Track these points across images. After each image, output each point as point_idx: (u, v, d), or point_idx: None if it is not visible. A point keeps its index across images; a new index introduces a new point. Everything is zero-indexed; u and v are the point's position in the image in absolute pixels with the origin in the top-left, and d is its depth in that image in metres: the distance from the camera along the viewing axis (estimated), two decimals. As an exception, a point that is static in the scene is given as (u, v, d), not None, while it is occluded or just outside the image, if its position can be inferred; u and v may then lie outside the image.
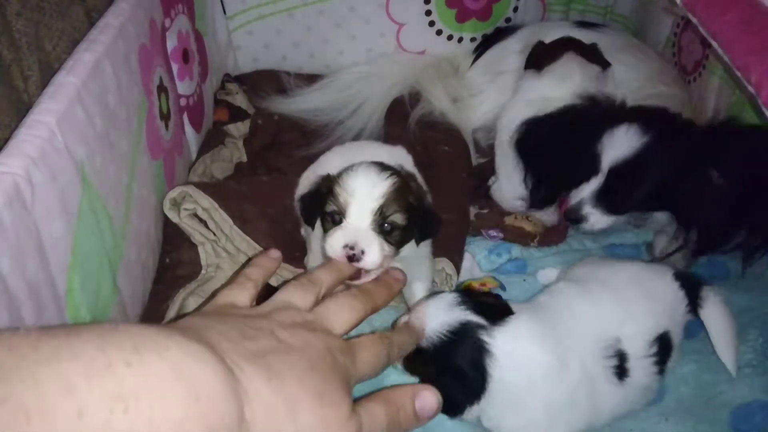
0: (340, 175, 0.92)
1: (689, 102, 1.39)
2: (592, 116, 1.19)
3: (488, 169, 1.46)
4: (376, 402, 0.59)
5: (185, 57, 1.31)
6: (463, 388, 0.84)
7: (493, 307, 0.88)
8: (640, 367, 0.91)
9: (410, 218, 0.90)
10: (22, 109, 0.78)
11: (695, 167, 1.06)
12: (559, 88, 1.32)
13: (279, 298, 0.66)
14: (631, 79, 1.35)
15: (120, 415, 0.38)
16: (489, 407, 0.85)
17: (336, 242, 0.86)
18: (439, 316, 0.85)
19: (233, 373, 0.47)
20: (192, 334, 0.47)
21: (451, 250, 1.18)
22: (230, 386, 0.45)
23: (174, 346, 0.43)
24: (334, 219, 0.90)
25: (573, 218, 1.17)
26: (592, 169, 1.13)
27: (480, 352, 0.83)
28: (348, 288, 0.80)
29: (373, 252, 0.86)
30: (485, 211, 1.34)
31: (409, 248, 0.96)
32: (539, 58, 1.39)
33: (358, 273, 0.87)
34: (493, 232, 1.31)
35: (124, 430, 0.38)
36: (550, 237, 1.29)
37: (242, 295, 0.67)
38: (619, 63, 1.37)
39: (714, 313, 1.00)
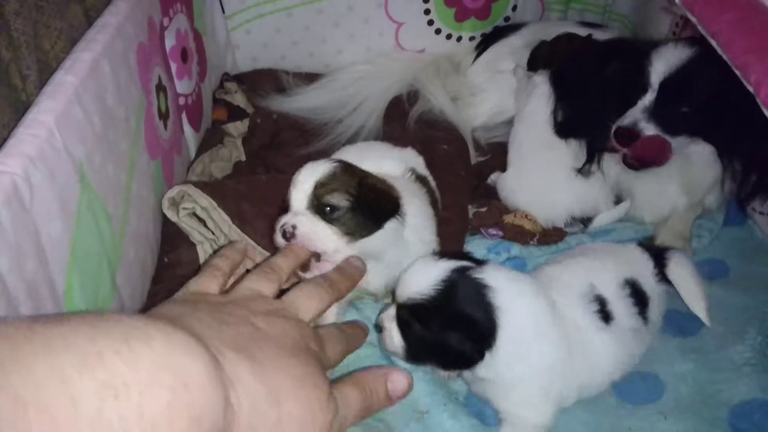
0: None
1: None
2: (636, 45, 1.20)
3: (487, 168, 1.46)
4: (349, 385, 0.61)
5: (184, 56, 1.31)
6: (474, 334, 0.82)
7: (472, 260, 0.89)
8: (621, 308, 0.94)
9: (353, 200, 0.92)
10: (20, 109, 0.78)
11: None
12: None
13: (245, 285, 0.68)
14: None
15: (111, 403, 0.38)
16: (497, 356, 0.83)
17: (276, 231, 0.92)
18: (427, 272, 0.84)
19: (218, 361, 0.47)
20: (176, 322, 0.48)
21: (451, 249, 1.18)
22: (216, 374, 0.46)
23: (160, 335, 0.43)
24: (285, 210, 0.95)
25: (627, 135, 1.13)
26: (642, 88, 1.12)
27: (483, 291, 0.82)
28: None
29: (304, 225, 0.90)
30: (484, 209, 1.34)
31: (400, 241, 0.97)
32: (540, 61, 1.40)
33: (316, 257, 0.91)
34: (492, 231, 1.31)
35: (115, 418, 0.38)
36: (549, 236, 1.29)
37: (212, 283, 0.69)
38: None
39: (679, 269, 1.04)
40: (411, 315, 0.84)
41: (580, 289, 0.93)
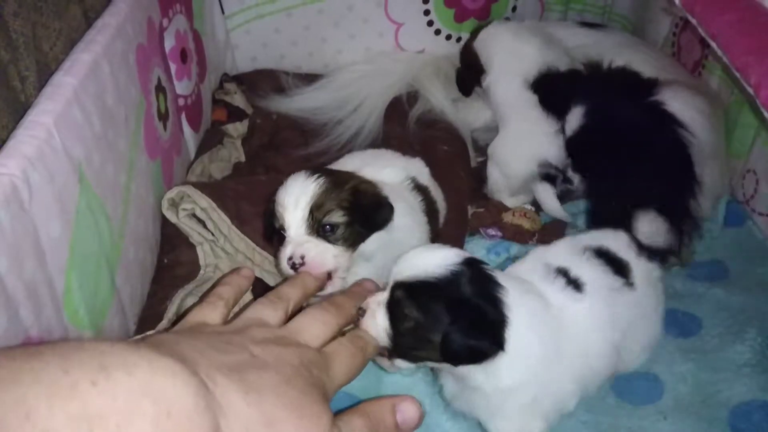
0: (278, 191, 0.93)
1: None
2: None
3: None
4: (356, 415, 0.59)
5: (183, 57, 1.30)
6: (483, 327, 0.76)
7: None
8: (587, 271, 0.89)
9: (350, 213, 0.91)
10: (19, 110, 0.77)
11: None
12: None
13: (248, 315, 0.65)
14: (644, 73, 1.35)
15: None
16: (500, 358, 0.77)
17: (282, 260, 0.90)
18: (438, 254, 0.79)
19: (207, 387, 0.46)
20: (163, 348, 0.46)
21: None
22: (204, 400, 0.44)
23: (143, 362, 0.42)
24: (280, 236, 0.92)
25: None
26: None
27: (493, 285, 0.78)
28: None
29: (312, 254, 0.88)
30: (483, 209, 1.34)
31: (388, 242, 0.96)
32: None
33: (323, 284, 0.88)
34: (491, 231, 1.31)
35: None
36: (549, 234, 1.29)
37: (213, 313, 0.66)
38: (628, 60, 1.37)
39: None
40: (410, 294, 0.77)
41: (540, 272, 0.88)
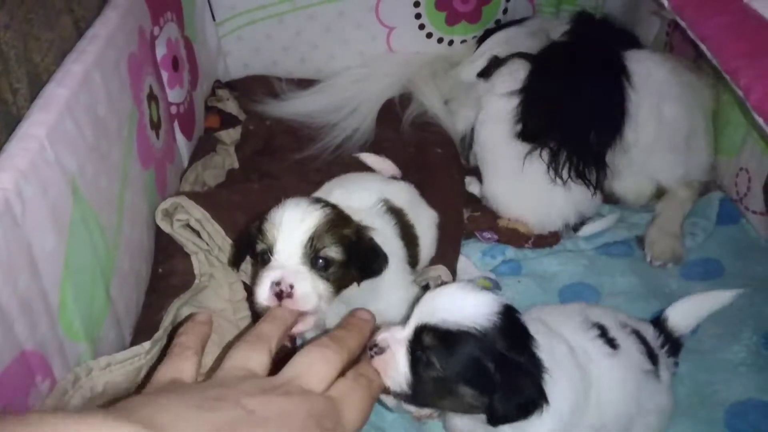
0: (269, 212, 0.84)
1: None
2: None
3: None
4: None
5: (175, 64, 1.30)
6: (531, 382, 0.71)
7: None
8: (624, 340, 0.87)
9: (348, 253, 0.83)
10: (11, 123, 0.77)
11: None
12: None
13: (231, 364, 0.57)
14: None
15: None
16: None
17: (264, 283, 0.78)
18: (477, 298, 0.72)
19: None
20: (126, 415, 0.41)
21: (447, 253, 1.18)
22: None
23: None
24: (264, 259, 0.82)
25: None
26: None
27: (527, 335, 0.73)
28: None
29: (304, 285, 0.78)
30: (478, 213, 1.34)
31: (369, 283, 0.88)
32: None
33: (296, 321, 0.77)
34: (487, 234, 1.31)
35: None
36: (544, 238, 1.30)
37: (184, 365, 0.58)
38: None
39: (677, 310, 0.98)
40: (443, 343, 0.70)
41: (579, 320, 0.87)
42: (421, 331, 0.71)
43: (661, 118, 1.29)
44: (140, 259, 1.05)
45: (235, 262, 0.96)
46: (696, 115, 1.32)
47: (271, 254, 0.82)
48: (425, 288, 1.11)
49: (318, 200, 0.87)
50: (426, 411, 0.78)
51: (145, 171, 1.08)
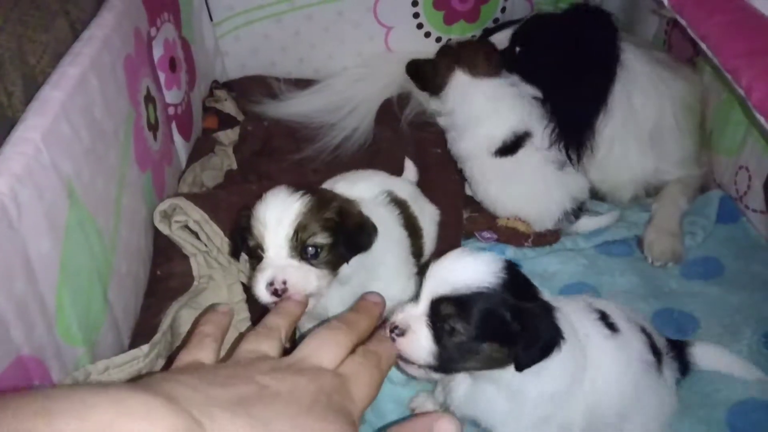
0: (255, 206, 0.86)
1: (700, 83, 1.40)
2: None
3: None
4: None
5: (172, 65, 1.30)
6: (547, 336, 0.75)
7: None
8: (628, 329, 0.89)
9: (335, 234, 0.85)
10: (6, 126, 0.77)
11: None
12: None
13: (246, 348, 0.59)
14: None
15: None
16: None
17: (260, 284, 0.81)
18: (482, 261, 0.75)
19: (201, 425, 0.42)
20: (142, 387, 0.42)
21: (446, 251, 1.17)
22: None
23: (104, 403, 0.38)
24: (257, 255, 0.85)
25: None
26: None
27: (535, 288, 0.78)
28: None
29: (297, 280, 0.81)
30: (477, 213, 1.34)
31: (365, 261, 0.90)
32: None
33: (305, 307, 0.79)
34: (486, 234, 1.30)
35: None
36: (544, 237, 1.29)
37: (204, 353, 0.60)
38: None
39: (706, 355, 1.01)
40: (462, 308, 0.73)
41: (582, 305, 0.89)
42: (438, 302, 0.74)
43: (629, 108, 1.29)
44: (138, 262, 1.04)
45: (234, 254, 0.97)
46: (666, 109, 1.32)
47: (261, 252, 0.84)
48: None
49: (298, 188, 0.88)
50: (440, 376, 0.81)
51: (142, 173, 1.08)
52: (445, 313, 0.73)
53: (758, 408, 0.96)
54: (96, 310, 0.86)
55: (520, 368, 0.74)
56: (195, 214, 1.04)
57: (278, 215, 0.83)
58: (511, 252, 1.27)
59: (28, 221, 0.70)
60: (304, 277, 0.82)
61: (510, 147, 1.29)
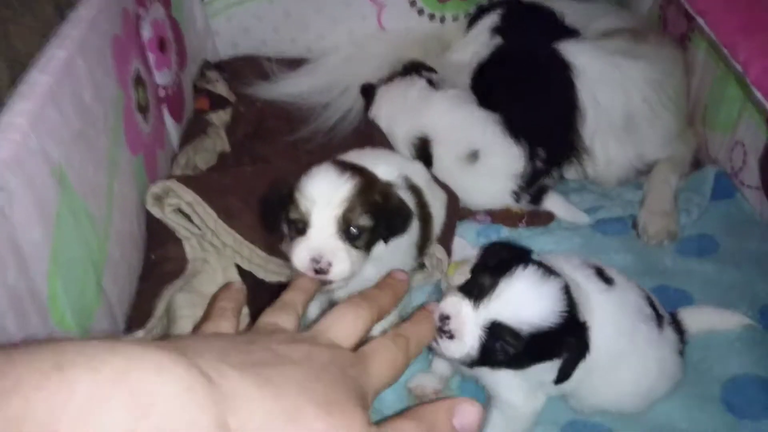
0: (299, 181, 0.88)
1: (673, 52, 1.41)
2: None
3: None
4: (406, 420, 0.53)
5: (162, 46, 1.28)
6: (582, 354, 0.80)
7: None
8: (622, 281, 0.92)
9: (376, 217, 0.87)
10: (-8, 112, 0.75)
11: None
12: None
13: (262, 321, 0.61)
14: None
15: None
16: None
17: (302, 255, 0.83)
18: (545, 292, 0.77)
19: (210, 379, 0.42)
20: (156, 344, 0.43)
21: (444, 233, 1.17)
22: (202, 392, 0.40)
23: (116, 358, 0.38)
24: (298, 228, 0.86)
25: None
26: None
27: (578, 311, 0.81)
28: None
29: (341, 263, 0.83)
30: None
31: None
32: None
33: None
34: (480, 216, 1.30)
35: None
36: (538, 217, 1.29)
37: (223, 323, 0.62)
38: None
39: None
40: (520, 340, 0.76)
41: (578, 261, 0.92)
42: (499, 327, 0.76)
43: (596, 107, 1.31)
44: (132, 248, 1.03)
45: (272, 227, 0.95)
46: (632, 95, 1.33)
47: (307, 226, 0.85)
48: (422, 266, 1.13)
49: (345, 167, 0.89)
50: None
51: (134, 157, 1.06)
52: (503, 339, 0.76)
53: (753, 384, 0.97)
54: (90, 297, 0.86)
55: (559, 382, 0.80)
56: (187, 196, 1.03)
57: (328, 195, 0.85)
58: (506, 232, 1.27)
59: (18, 209, 0.69)
60: (347, 262, 0.84)
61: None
